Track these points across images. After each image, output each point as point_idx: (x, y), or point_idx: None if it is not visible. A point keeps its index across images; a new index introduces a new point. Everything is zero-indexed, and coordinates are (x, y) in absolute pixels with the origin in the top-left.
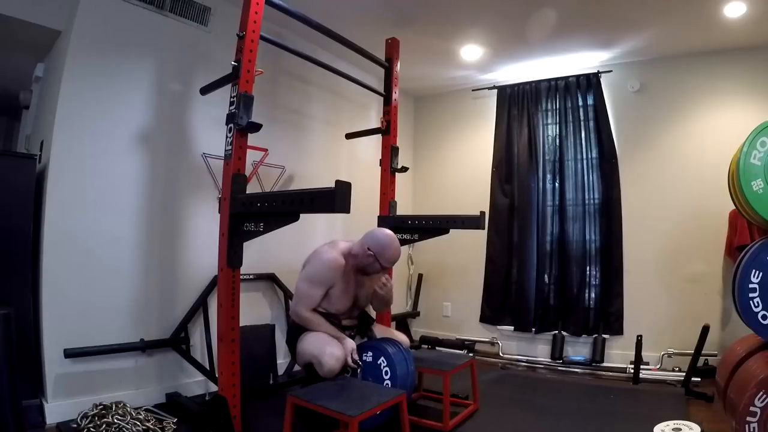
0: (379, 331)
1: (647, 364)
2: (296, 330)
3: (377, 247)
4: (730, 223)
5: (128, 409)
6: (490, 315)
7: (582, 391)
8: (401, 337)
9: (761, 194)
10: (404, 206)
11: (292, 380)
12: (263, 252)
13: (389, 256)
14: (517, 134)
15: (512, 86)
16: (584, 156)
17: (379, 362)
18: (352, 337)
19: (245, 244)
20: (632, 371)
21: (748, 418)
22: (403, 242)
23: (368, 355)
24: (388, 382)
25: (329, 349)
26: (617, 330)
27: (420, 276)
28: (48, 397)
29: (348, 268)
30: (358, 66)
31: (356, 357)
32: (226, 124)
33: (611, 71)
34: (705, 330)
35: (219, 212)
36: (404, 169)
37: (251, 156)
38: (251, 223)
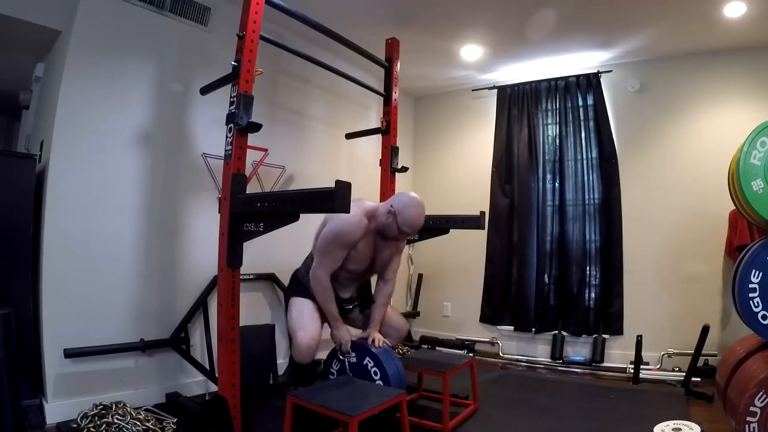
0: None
1: (647, 364)
2: (294, 288)
3: (399, 204)
4: (730, 223)
5: (128, 409)
6: (490, 315)
7: (582, 391)
8: (399, 323)
9: (761, 194)
10: None
11: (292, 380)
12: (263, 252)
13: (408, 217)
14: (517, 134)
15: (512, 86)
16: (584, 156)
17: (365, 363)
18: (351, 311)
19: (245, 244)
20: (632, 371)
21: (748, 418)
22: None
23: (352, 356)
24: (380, 382)
25: (301, 332)
26: (617, 330)
27: (420, 276)
28: (48, 397)
29: (371, 227)
30: (358, 66)
31: (347, 349)
32: (226, 124)
33: (611, 71)
34: (705, 330)
35: (219, 212)
36: (404, 169)
37: (251, 156)
38: (251, 223)
